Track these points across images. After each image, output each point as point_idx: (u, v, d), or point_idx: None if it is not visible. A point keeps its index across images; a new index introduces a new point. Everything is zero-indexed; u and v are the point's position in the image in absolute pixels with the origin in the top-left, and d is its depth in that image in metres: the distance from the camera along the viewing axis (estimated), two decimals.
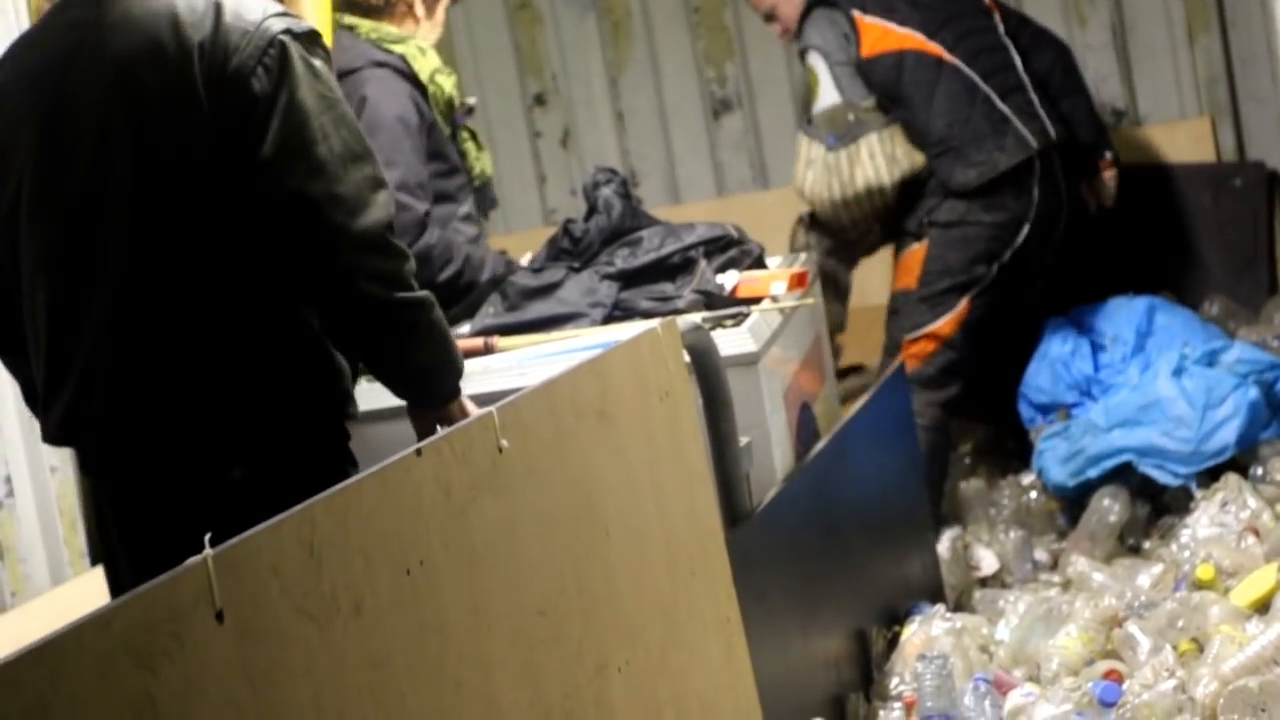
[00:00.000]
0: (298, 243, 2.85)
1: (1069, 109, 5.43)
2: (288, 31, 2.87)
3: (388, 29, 4.29)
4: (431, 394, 3.06)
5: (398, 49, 4.26)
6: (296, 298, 2.92)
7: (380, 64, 4.22)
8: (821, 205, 5.30)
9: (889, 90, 5.25)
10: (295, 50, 2.86)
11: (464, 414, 3.03)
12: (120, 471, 3.00)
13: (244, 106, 2.82)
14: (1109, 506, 4.68)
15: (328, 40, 3.77)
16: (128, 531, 3.02)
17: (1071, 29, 6.32)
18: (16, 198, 2.93)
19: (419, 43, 4.31)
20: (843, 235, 5.37)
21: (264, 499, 2.66)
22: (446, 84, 4.34)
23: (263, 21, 2.86)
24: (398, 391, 3.06)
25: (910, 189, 5.27)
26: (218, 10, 2.86)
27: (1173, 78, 6.31)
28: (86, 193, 2.88)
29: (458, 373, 3.05)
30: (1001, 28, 5.40)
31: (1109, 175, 5.54)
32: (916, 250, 5.23)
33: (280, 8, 2.94)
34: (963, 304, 5.17)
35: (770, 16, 5.53)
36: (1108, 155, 5.51)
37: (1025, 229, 5.20)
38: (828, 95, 5.29)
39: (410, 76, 4.25)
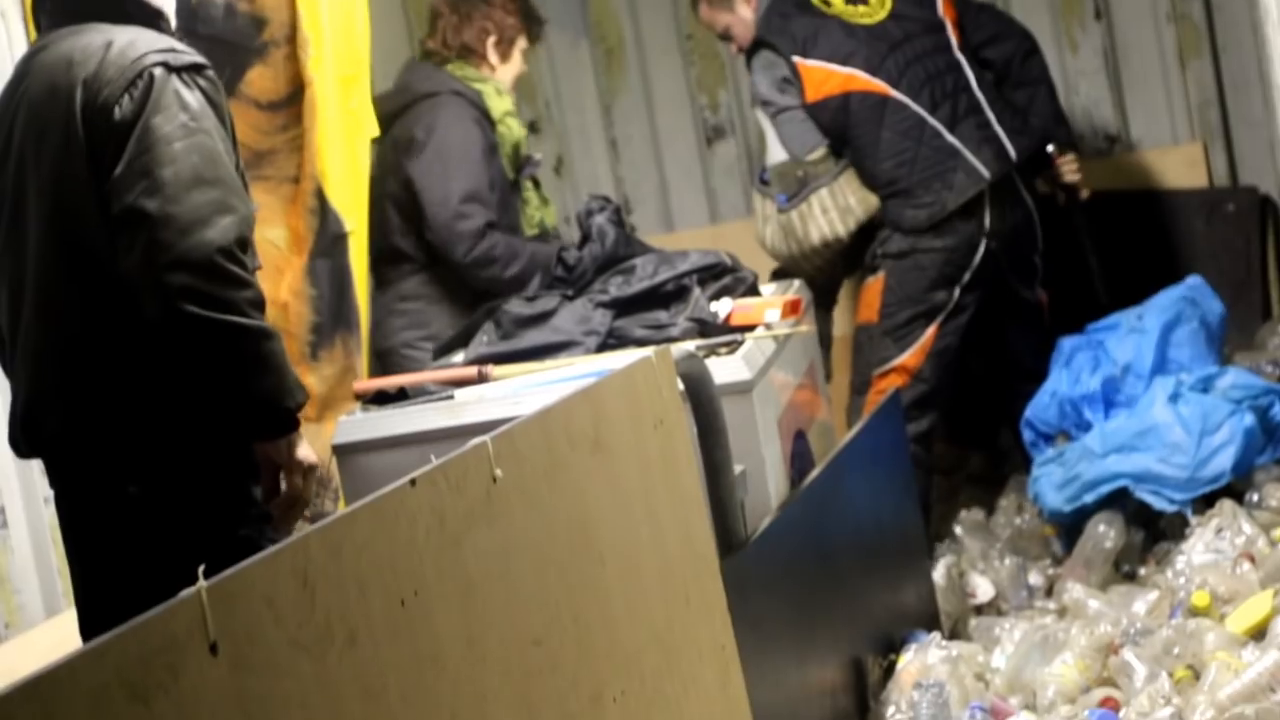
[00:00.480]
0: (130, 259, 2.95)
1: (1025, 99, 5.40)
2: (163, 64, 3.02)
3: (469, 70, 4.97)
4: (256, 427, 3.10)
5: (476, 85, 4.92)
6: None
7: (458, 93, 4.88)
8: (782, 259, 5.30)
9: (839, 132, 5.22)
10: (166, 81, 3.01)
11: (291, 454, 3.12)
12: (54, 484, 3.23)
13: (107, 134, 3.00)
14: (1104, 532, 4.68)
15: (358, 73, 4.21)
16: (66, 542, 3.24)
17: (1063, 55, 6.35)
18: None
19: (496, 84, 4.96)
20: (812, 282, 5.28)
21: (161, 514, 3.04)
22: (515, 126, 4.96)
23: (141, 56, 3.03)
24: (223, 419, 3.06)
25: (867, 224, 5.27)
26: (106, 49, 3.05)
27: (1165, 103, 6.33)
28: (10, 230, 3.14)
29: (286, 411, 3.08)
30: (955, 41, 5.34)
31: (1063, 161, 5.50)
32: (873, 283, 5.23)
33: (169, 44, 3.09)
34: (928, 333, 5.16)
35: (725, 35, 5.55)
36: (1049, 150, 5.45)
37: (981, 249, 5.17)
38: (774, 152, 5.29)
39: (483, 110, 4.88)
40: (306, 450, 3.17)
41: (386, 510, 2.12)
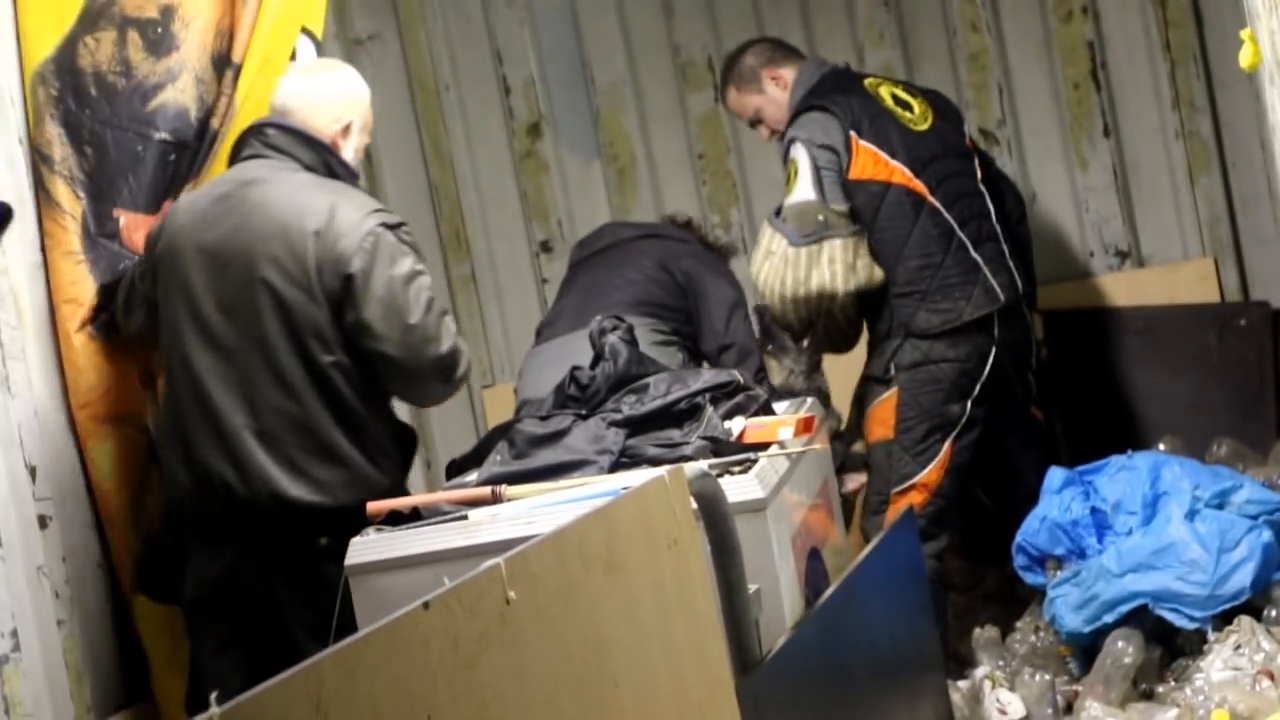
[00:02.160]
0: (398, 370, 4.06)
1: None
2: (382, 224, 4.01)
3: None
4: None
5: None
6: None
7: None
8: (772, 297, 5.31)
9: (869, 218, 5.22)
10: (386, 237, 3.99)
11: None
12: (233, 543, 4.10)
13: (345, 280, 3.96)
14: (1123, 649, 4.64)
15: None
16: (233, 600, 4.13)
17: (1073, 172, 6.38)
18: (177, 310, 4.07)
19: None
20: (791, 334, 5.39)
21: (339, 560, 3.70)
22: None
23: (364, 218, 3.99)
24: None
25: (868, 300, 5.29)
26: (332, 209, 3.98)
27: (1175, 219, 6.36)
28: (247, 322, 4.01)
29: None
30: (979, 173, 5.40)
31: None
32: (887, 399, 5.21)
33: (376, 204, 4.14)
34: (945, 448, 5.16)
35: (756, 121, 5.56)
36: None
37: (990, 361, 5.18)
38: (803, 189, 5.24)
39: None
40: None
41: (400, 634, 2.11)
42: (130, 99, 4.32)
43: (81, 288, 4.20)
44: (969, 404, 5.17)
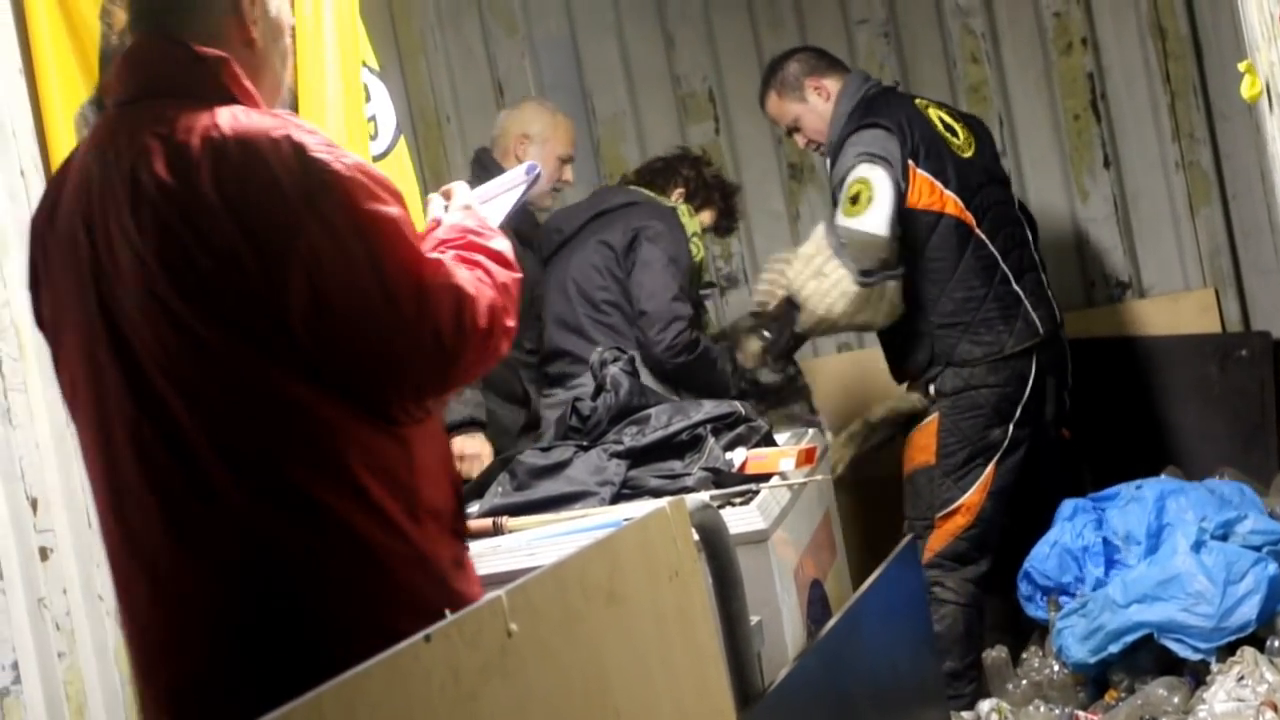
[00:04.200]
0: None
1: None
2: None
3: (657, 192, 5.52)
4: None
5: (668, 205, 5.46)
6: None
7: (661, 206, 5.42)
8: (811, 316, 5.18)
9: (914, 246, 5.15)
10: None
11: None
12: None
13: None
14: (1166, 697, 4.59)
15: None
16: None
17: (1074, 203, 6.39)
18: None
19: (686, 207, 5.46)
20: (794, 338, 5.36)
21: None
22: (699, 248, 5.41)
23: None
24: None
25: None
26: None
27: (1176, 250, 6.36)
28: None
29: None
30: (1016, 201, 5.41)
31: None
32: (928, 425, 5.19)
33: None
34: (988, 472, 5.13)
35: (794, 129, 5.50)
36: None
37: (1030, 384, 5.18)
38: (877, 221, 5.07)
39: (682, 228, 5.36)
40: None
41: (401, 667, 2.11)
42: None
43: None
44: (1010, 427, 5.16)
